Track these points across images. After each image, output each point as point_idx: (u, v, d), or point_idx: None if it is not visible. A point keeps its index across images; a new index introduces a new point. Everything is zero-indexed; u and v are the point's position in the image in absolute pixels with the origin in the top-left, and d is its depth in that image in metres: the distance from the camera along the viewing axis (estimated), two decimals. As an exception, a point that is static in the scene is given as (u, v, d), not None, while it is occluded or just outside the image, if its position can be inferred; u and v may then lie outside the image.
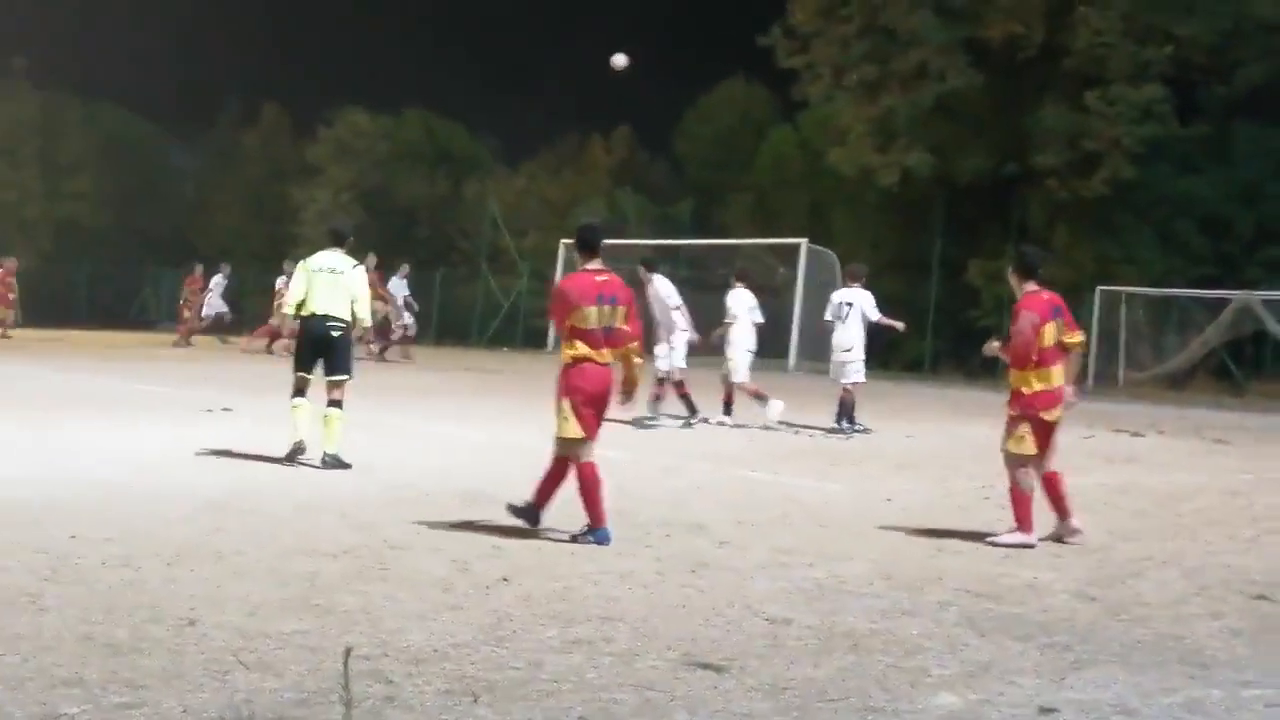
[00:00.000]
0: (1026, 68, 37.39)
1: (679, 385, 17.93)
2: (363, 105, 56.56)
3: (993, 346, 10.34)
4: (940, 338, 38.96)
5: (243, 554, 7.98)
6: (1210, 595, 8.06)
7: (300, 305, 12.37)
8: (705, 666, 5.97)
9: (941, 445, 17.00)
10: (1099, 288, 35.00)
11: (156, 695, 5.24)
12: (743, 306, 18.37)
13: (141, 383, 21.23)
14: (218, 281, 35.40)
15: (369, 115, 56.39)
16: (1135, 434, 19.64)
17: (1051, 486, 9.85)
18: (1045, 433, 9.79)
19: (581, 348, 9.06)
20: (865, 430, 17.61)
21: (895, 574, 8.31)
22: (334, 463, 11.93)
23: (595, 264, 9.32)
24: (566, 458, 9.12)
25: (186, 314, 35.54)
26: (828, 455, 15.08)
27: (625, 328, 9.25)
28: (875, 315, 17.97)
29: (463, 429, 16.08)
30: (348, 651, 5.44)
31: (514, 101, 67.00)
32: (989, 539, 9.58)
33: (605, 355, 9.16)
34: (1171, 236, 36.46)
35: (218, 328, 35.46)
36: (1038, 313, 9.71)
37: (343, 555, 8.10)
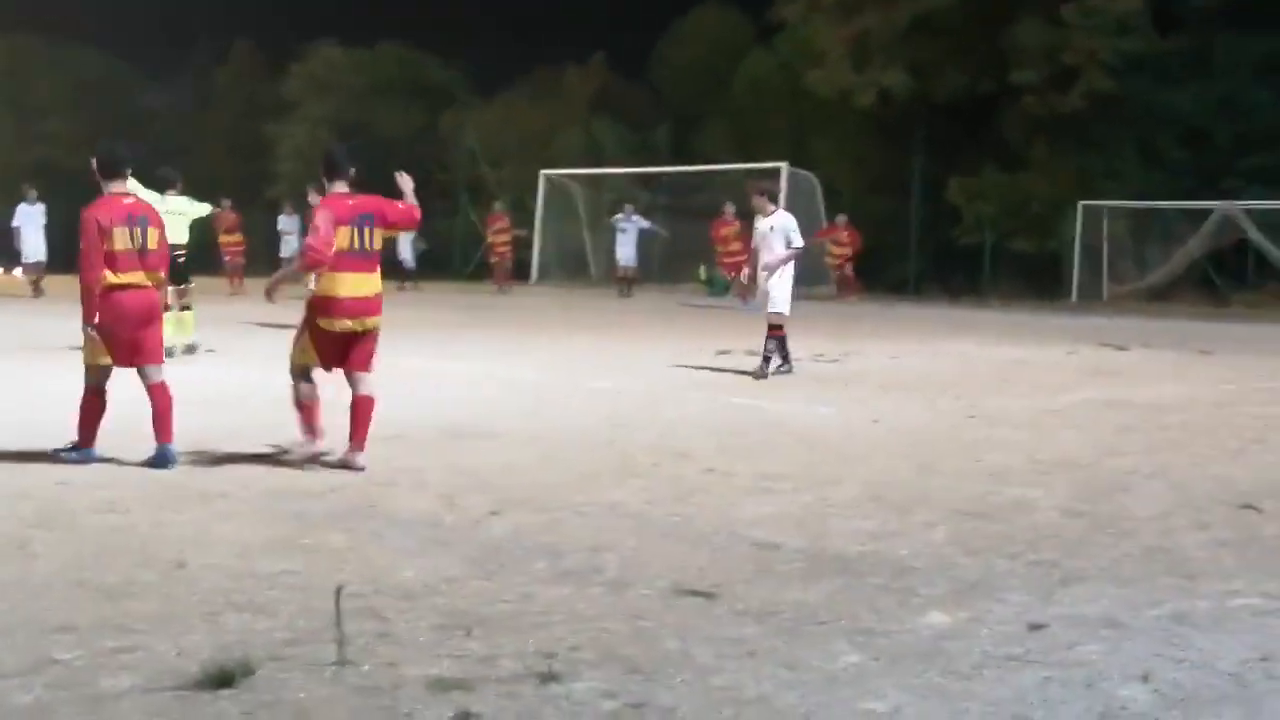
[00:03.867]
0: (1003, -18, 37.18)
1: None
2: (336, 39, 56.12)
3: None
4: (923, 257, 38.93)
5: (228, 496, 7.96)
6: (1196, 507, 8.09)
7: None
8: (695, 593, 5.98)
9: (926, 365, 17.01)
10: (1081, 202, 35.01)
11: (149, 638, 5.24)
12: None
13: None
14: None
15: (343, 49, 55.92)
16: (1120, 348, 19.69)
17: (356, 408, 9.18)
18: (332, 343, 9.14)
19: (111, 277, 8.88)
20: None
21: (883, 495, 8.33)
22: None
23: (120, 186, 9.18)
24: (96, 386, 9.00)
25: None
26: (815, 379, 15.08)
27: (158, 249, 9.16)
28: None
29: (446, 363, 16.02)
30: (339, 589, 5.44)
31: (487, 32, 66.39)
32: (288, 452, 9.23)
33: (140, 278, 9.01)
34: (1152, 150, 36.38)
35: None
36: (334, 212, 9.03)
37: (329, 494, 8.09)
